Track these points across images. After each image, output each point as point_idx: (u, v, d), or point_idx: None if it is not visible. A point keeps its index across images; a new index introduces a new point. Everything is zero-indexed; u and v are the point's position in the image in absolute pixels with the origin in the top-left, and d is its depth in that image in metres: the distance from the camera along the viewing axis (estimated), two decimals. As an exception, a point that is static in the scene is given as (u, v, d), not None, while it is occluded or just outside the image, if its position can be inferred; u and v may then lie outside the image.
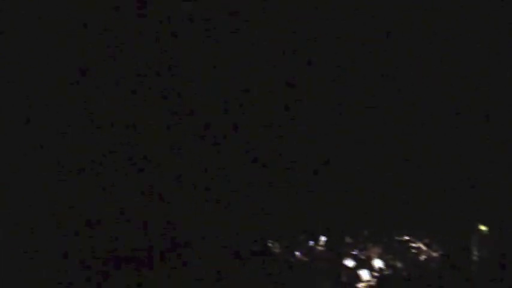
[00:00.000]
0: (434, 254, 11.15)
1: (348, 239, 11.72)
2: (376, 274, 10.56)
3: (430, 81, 10.06)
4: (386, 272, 10.67)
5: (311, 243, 11.66)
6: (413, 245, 11.54)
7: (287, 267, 10.82)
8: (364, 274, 10.53)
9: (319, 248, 11.68)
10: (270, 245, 11.50)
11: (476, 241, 10.66)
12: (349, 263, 10.88)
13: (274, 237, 11.72)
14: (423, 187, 11.05)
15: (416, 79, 10.08)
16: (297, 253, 11.22)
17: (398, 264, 10.87)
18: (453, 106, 10.21)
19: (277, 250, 11.68)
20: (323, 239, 11.72)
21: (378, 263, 10.85)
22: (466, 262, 10.66)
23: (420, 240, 11.58)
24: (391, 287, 10.27)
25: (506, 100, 9.66)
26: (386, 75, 9.86)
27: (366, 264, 10.83)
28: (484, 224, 10.59)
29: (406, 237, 11.87)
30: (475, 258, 10.58)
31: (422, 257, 11.20)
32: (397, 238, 11.92)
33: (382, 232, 11.99)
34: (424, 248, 11.37)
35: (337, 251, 11.12)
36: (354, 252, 11.25)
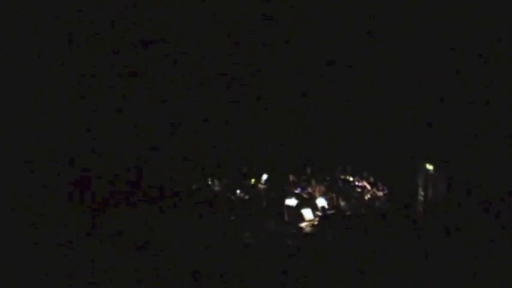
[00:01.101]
0: (380, 194, 11.16)
1: (291, 177, 11.72)
2: (319, 213, 10.16)
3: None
4: (329, 211, 10.27)
5: (253, 180, 11.69)
6: (358, 183, 11.59)
7: (228, 207, 10.35)
8: (307, 213, 10.07)
9: (262, 186, 11.59)
10: (210, 183, 11.41)
11: (422, 180, 10.01)
12: (292, 202, 10.44)
13: (214, 175, 11.25)
14: (368, 124, 11.11)
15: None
16: (238, 192, 11.02)
17: (342, 203, 10.67)
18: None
19: (217, 188, 11.10)
20: (265, 177, 11.74)
21: (321, 202, 10.48)
22: (411, 202, 10.13)
23: (365, 179, 11.67)
24: (334, 226, 9.52)
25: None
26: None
27: (309, 203, 10.43)
28: (431, 163, 9.91)
29: (350, 177, 11.84)
30: (420, 198, 10.03)
31: (367, 196, 11.09)
32: (341, 177, 11.86)
33: (325, 171, 11.72)
34: (368, 187, 11.38)
35: (279, 190, 10.85)
36: (297, 191, 11.02)
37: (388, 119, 10.55)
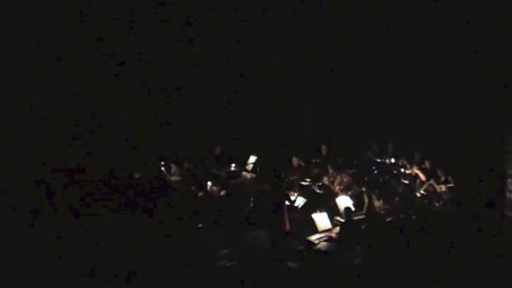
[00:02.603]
0: (441, 188, 10.04)
1: (295, 161, 11.04)
2: (340, 219, 9.24)
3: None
4: (358, 216, 9.22)
5: (233, 166, 11.17)
6: (405, 171, 10.81)
7: (192, 207, 9.61)
8: (322, 219, 9.16)
9: (247, 175, 11.21)
10: (163, 169, 10.62)
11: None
12: (297, 200, 9.97)
13: (170, 157, 10.90)
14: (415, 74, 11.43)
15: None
16: (209, 184, 10.33)
17: (378, 203, 9.64)
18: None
19: (174, 178, 10.47)
20: (252, 160, 11.44)
21: (343, 201, 9.61)
22: (495, 201, 9.50)
23: (416, 164, 10.80)
24: (365, 241, 8.48)
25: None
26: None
27: (325, 202, 9.83)
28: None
29: (392, 160, 11.31)
30: (510, 195, 9.29)
31: (420, 192, 10.17)
32: (376, 160, 11.36)
33: (351, 150, 11.44)
34: (422, 176, 10.39)
35: (276, 179, 9.94)
36: (304, 183, 10.63)
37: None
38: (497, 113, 10.19)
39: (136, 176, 10.18)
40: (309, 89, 11.98)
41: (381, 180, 10.46)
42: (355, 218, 9.15)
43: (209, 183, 10.31)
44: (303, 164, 11.02)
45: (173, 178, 10.40)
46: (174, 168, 10.57)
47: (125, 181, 10.07)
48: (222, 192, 10.17)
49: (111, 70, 12.20)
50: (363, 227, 9.07)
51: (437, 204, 9.89)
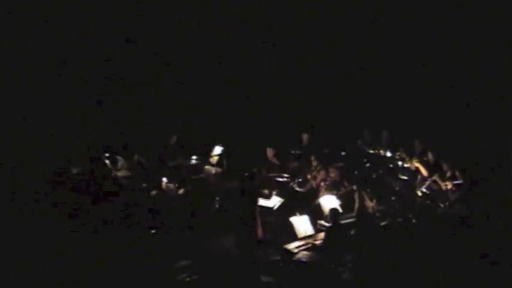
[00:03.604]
0: (447, 185, 9.48)
1: (269, 152, 10.81)
2: (325, 224, 8.75)
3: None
4: (346, 220, 8.65)
5: (194, 158, 11.06)
6: (403, 165, 10.45)
7: (143, 209, 9.06)
8: (303, 224, 8.71)
9: (211, 169, 10.87)
10: (107, 161, 10.00)
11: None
12: (272, 200, 9.66)
13: (116, 148, 10.35)
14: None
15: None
16: (164, 180, 9.83)
17: (371, 204, 9.18)
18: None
19: (122, 173, 9.81)
20: (218, 151, 11.26)
21: (329, 202, 9.22)
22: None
23: (417, 156, 10.42)
24: (356, 250, 7.92)
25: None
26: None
27: (306, 202, 9.53)
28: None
29: (387, 152, 10.91)
30: None
31: (421, 190, 9.67)
32: (369, 151, 11.16)
33: (339, 139, 11.27)
34: (424, 171, 9.88)
35: (246, 175, 9.15)
36: (281, 179, 10.43)
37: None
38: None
39: (74, 171, 9.45)
40: (286, 67, 11.36)
41: (374, 176, 10.12)
42: (343, 221, 8.49)
43: (164, 179, 9.75)
44: (279, 156, 10.59)
45: (120, 173, 9.77)
46: (121, 161, 9.93)
47: (60, 178, 9.33)
48: (181, 191, 9.66)
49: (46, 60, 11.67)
50: (352, 232, 8.35)
51: (442, 205, 9.30)
